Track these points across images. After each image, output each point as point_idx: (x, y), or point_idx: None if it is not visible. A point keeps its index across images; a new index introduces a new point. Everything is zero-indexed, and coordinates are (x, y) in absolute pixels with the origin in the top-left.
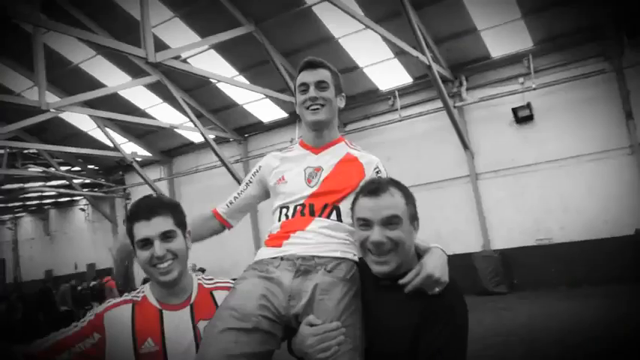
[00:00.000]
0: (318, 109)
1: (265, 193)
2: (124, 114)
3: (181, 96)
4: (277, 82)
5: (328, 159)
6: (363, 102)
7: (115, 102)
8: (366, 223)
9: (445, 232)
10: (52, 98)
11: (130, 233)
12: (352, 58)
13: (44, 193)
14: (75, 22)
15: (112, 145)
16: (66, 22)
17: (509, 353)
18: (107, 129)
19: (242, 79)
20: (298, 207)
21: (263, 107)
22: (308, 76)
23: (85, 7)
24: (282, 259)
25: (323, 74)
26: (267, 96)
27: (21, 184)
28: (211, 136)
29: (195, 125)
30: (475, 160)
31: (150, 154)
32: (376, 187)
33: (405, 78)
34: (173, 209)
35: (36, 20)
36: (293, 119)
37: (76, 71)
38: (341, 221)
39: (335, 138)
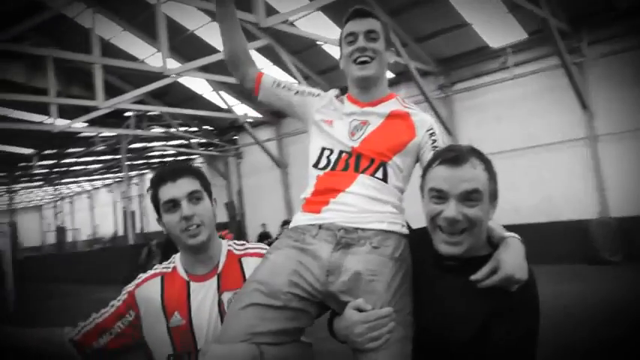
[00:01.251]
0: (367, 61)
1: (297, 113)
2: None
3: (289, 58)
4: None
5: (377, 113)
6: (472, 60)
7: None
8: (440, 196)
9: (557, 197)
10: (172, 64)
11: (155, 199)
12: (461, 15)
13: (165, 152)
14: None
15: (225, 107)
16: None
17: (620, 322)
18: (221, 92)
19: None
20: (344, 154)
21: None
22: (356, 26)
23: None
24: (320, 227)
25: (373, 24)
26: None
27: (145, 144)
28: None
29: None
30: (594, 122)
31: (260, 116)
32: (456, 156)
33: (518, 34)
34: (198, 173)
35: None
36: (398, 79)
37: (193, 38)
38: (386, 182)
39: (385, 94)
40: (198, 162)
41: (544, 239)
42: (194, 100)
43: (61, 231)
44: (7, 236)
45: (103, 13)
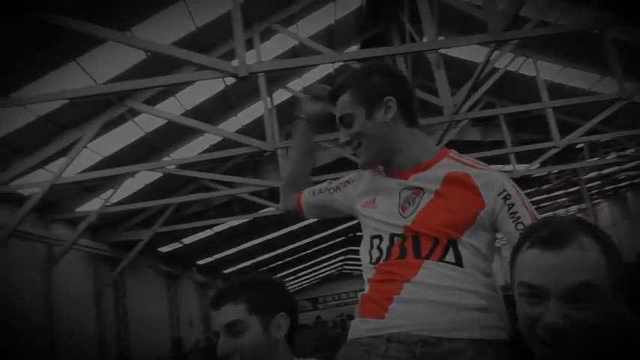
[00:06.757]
0: (357, 148)
1: (347, 211)
2: None
3: None
4: None
5: (430, 178)
6: None
7: None
8: (535, 294)
9: None
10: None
11: None
12: None
13: (620, 177)
14: None
15: None
16: None
17: None
18: None
19: None
20: (396, 238)
21: None
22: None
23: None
24: (389, 339)
25: (341, 104)
26: None
27: (597, 172)
28: None
29: None
30: None
31: None
32: (555, 234)
33: None
34: (253, 291)
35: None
36: None
37: None
38: (462, 266)
39: (433, 154)
40: None
41: None
42: None
43: None
44: None
45: (542, 58)
